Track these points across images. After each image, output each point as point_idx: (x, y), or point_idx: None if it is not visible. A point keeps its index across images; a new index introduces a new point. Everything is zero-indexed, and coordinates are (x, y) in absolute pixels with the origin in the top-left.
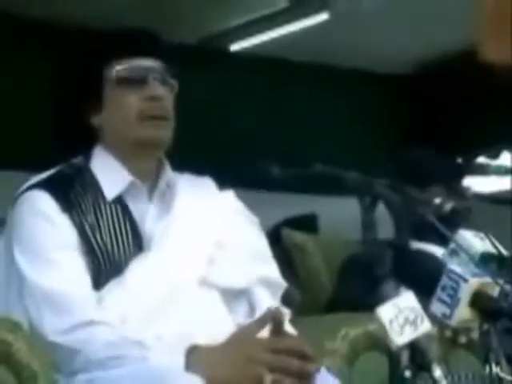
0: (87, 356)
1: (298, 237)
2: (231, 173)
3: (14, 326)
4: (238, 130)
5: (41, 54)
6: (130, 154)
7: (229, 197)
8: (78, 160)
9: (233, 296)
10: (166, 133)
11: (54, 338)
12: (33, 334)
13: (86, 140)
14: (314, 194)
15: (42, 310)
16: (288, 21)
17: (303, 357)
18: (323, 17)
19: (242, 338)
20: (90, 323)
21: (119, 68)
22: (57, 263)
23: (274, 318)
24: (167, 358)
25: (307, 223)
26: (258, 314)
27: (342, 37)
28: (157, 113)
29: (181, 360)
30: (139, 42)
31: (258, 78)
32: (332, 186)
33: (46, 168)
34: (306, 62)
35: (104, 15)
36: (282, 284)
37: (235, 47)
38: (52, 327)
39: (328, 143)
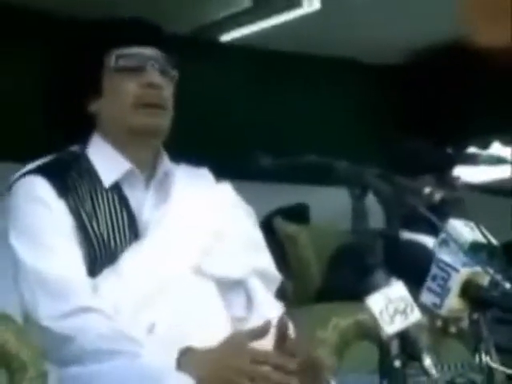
0: (80, 345)
1: (289, 227)
2: (222, 163)
3: (3, 317)
4: (230, 120)
5: (38, 41)
6: (126, 141)
7: (226, 188)
8: (75, 147)
9: (229, 287)
10: (161, 121)
11: (47, 323)
12: (26, 319)
13: (83, 127)
14: (304, 184)
15: (36, 294)
16: (279, 11)
17: (288, 372)
18: (315, 6)
19: (234, 345)
20: (86, 310)
21: (118, 55)
22: (53, 248)
23: (279, 328)
24: (160, 356)
25: (298, 213)
26: (256, 306)
27: (333, 27)
28: (153, 100)
29: (173, 360)
30: (139, 31)
31: (250, 68)
32: (322, 176)
33: (36, 158)
34: (297, 52)
35: (95, 4)
36: (278, 277)
37: (227, 37)
38: (46, 312)
39: (320, 133)
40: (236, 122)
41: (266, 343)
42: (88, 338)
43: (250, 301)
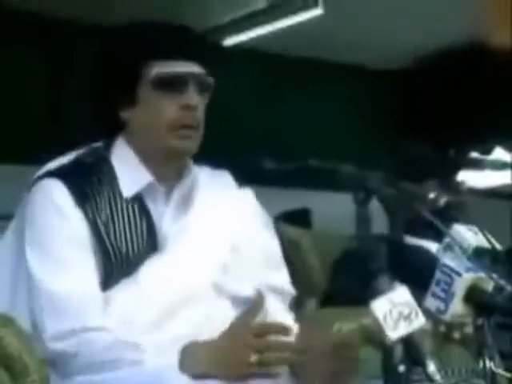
0: (84, 359)
1: (292, 232)
2: (226, 168)
3: (5, 320)
4: (232, 124)
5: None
6: (155, 158)
7: (247, 197)
8: (97, 147)
9: (242, 304)
10: (194, 144)
11: (53, 344)
12: (35, 328)
13: (110, 128)
14: (307, 188)
15: (43, 310)
16: (284, 15)
17: (283, 330)
18: (319, 11)
19: (230, 329)
20: (89, 330)
21: (160, 71)
22: (64, 263)
23: (255, 301)
24: (163, 360)
25: (301, 218)
26: (266, 319)
27: (338, 31)
28: (189, 122)
29: (174, 360)
30: (182, 42)
31: (253, 72)
32: (326, 181)
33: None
34: (301, 56)
35: (100, 9)
36: (292, 292)
37: (230, 41)
38: (51, 331)
39: (324, 138)
40: (240, 126)
41: None
42: (91, 352)
43: (264, 317)
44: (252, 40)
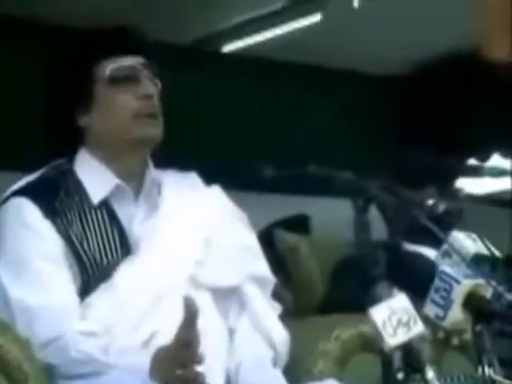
0: (64, 369)
1: (290, 238)
2: (223, 174)
3: (4, 328)
4: (232, 130)
5: (29, 52)
6: (119, 154)
7: (215, 192)
8: (61, 162)
9: (223, 295)
10: (158, 131)
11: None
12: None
13: (72, 141)
14: (306, 195)
15: (19, 324)
16: (283, 21)
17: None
18: (318, 17)
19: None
20: (59, 337)
21: (112, 67)
22: (38, 276)
23: (186, 308)
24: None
25: (299, 224)
26: (249, 311)
27: (337, 38)
28: (150, 111)
29: (147, 366)
30: (127, 40)
31: (252, 78)
32: (325, 187)
33: (33, 169)
34: (301, 63)
35: (93, 15)
36: (271, 279)
37: (229, 48)
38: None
39: (323, 145)
40: (237, 133)
41: None
42: (65, 365)
43: (242, 307)
44: (251, 47)
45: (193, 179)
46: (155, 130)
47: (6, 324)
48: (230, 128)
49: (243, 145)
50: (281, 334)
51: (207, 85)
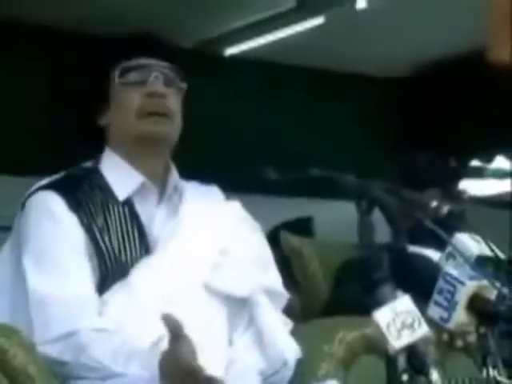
0: (72, 367)
1: (294, 240)
2: (227, 177)
3: (10, 332)
4: (235, 134)
5: (40, 55)
6: (134, 151)
7: (234, 206)
8: (88, 163)
9: (234, 305)
10: (166, 128)
11: (42, 348)
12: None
13: (97, 143)
14: (310, 197)
15: (34, 314)
16: (284, 25)
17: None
18: (319, 21)
19: (171, 360)
20: (73, 333)
21: (123, 68)
22: (61, 268)
23: (168, 326)
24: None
25: (303, 227)
26: (258, 323)
27: (340, 40)
28: (156, 109)
29: (156, 373)
30: (143, 44)
31: (255, 81)
32: (328, 190)
33: (48, 174)
34: (303, 65)
35: (100, 19)
36: (285, 295)
37: (232, 51)
38: (41, 334)
39: (326, 147)
40: (241, 135)
41: None
42: (77, 362)
43: (250, 323)
44: (253, 50)
45: (214, 191)
46: (162, 128)
47: (12, 328)
48: (232, 131)
49: (246, 148)
50: (292, 348)
51: (210, 88)
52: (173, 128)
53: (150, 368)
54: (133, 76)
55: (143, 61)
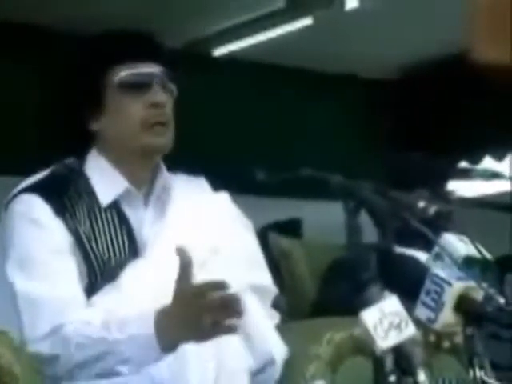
0: (65, 361)
1: (283, 242)
2: (217, 177)
3: None
4: (224, 134)
5: (37, 55)
6: (129, 160)
7: (223, 199)
8: (70, 161)
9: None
10: (168, 140)
11: (33, 346)
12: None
13: (82, 142)
14: (298, 198)
15: (24, 316)
16: (274, 25)
17: (221, 286)
18: (308, 21)
19: (176, 296)
20: (60, 327)
21: (123, 74)
22: (47, 271)
23: (181, 259)
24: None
25: (291, 228)
26: (247, 319)
27: (329, 41)
28: (160, 119)
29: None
30: (142, 46)
31: (244, 82)
32: (316, 190)
33: (35, 172)
34: (292, 66)
35: (89, 19)
36: (273, 290)
37: (221, 51)
38: (30, 334)
39: (315, 147)
40: (230, 136)
41: None
42: (69, 353)
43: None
44: (243, 50)
45: (201, 184)
46: (164, 140)
47: None
48: (221, 131)
49: (235, 148)
50: (279, 347)
51: (199, 88)
52: (171, 137)
53: (146, 326)
54: (133, 82)
55: (143, 66)
